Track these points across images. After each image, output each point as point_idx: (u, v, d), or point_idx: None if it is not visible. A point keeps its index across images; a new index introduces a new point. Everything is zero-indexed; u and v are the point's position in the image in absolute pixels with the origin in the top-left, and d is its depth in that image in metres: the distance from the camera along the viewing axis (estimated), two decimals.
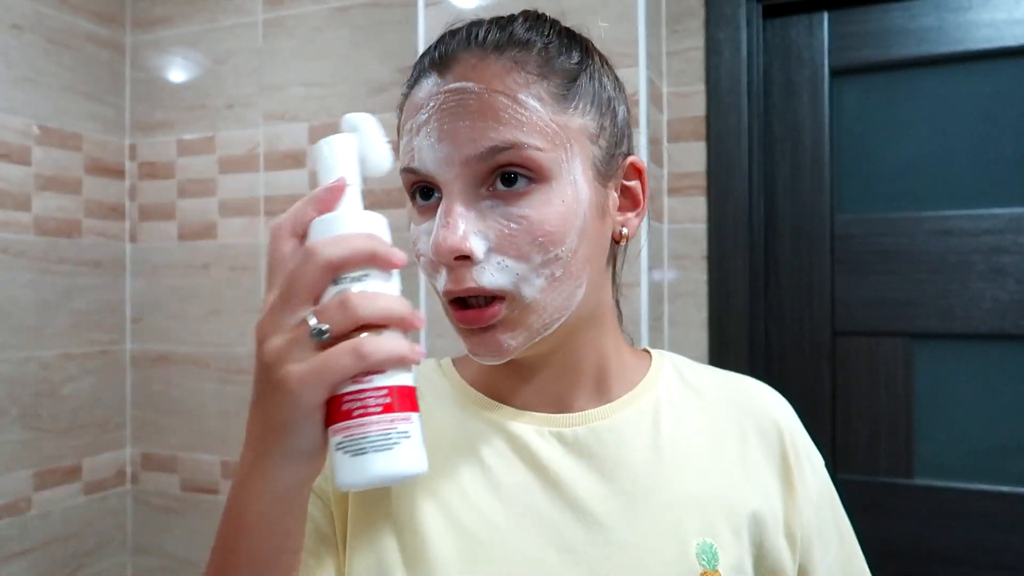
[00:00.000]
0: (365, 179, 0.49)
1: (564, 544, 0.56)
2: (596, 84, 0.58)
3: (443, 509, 0.57)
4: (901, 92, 1.44)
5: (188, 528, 1.93)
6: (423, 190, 0.56)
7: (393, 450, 0.43)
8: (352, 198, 0.47)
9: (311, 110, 1.80)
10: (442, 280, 0.55)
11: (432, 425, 0.60)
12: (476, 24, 0.58)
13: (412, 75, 0.60)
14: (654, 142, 1.42)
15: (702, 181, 1.49)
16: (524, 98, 0.54)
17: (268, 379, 0.43)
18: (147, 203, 2.00)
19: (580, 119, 0.56)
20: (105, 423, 1.95)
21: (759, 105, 1.49)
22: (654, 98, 1.42)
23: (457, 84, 0.54)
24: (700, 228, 1.50)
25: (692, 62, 1.50)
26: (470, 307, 0.55)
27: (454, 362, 0.69)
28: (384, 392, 0.43)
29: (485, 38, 0.56)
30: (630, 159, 0.61)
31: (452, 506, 0.58)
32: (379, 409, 0.43)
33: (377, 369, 0.43)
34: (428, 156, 0.54)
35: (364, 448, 0.42)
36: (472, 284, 0.53)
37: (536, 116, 0.54)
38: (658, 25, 1.48)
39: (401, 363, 0.43)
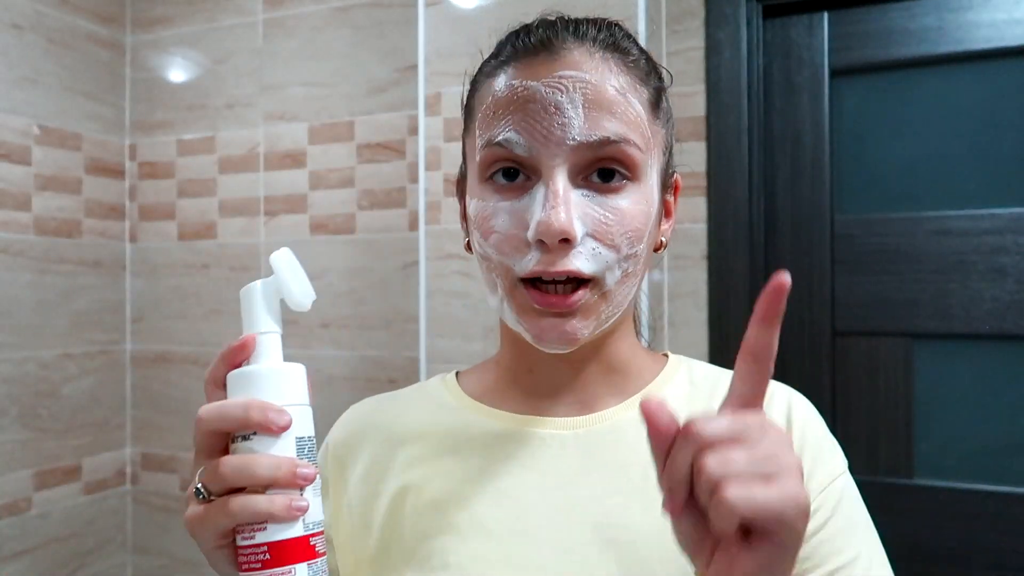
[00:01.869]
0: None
1: (565, 545, 0.56)
2: (668, 102, 0.62)
3: (449, 520, 0.59)
4: (901, 92, 1.43)
5: None
6: (507, 169, 0.56)
7: None
8: (267, 347, 0.50)
9: (311, 110, 1.80)
10: (528, 260, 0.55)
11: (437, 438, 0.63)
12: (578, 20, 0.59)
13: (502, 52, 0.59)
14: None
15: (702, 181, 1.49)
16: (632, 99, 0.56)
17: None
18: (147, 203, 2.00)
19: (662, 130, 0.60)
20: (105, 423, 1.95)
21: (759, 105, 1.49)
22: None
23: (572, 72, 0.55)
24: (700, 228, 1.49)
25: (692, 62, 1.50)
26: (548, 291, 0.55)
27: (457, 376, 0.70)
28: (264, 549, 0.46)
29: (596, 36, 0.57)
30: (676, 175, 0.65)
31: (457, 517, 0.59)
32: (259, 566, 0.46)
33: (251, 523, 0.45)
34: (534, 135, 0.54)
35: None
36: (570, 267, 0.54)
37: (639, 118, 0.56)
38: (658, 25, 1.48)
39: (272, 520, 0.45)
